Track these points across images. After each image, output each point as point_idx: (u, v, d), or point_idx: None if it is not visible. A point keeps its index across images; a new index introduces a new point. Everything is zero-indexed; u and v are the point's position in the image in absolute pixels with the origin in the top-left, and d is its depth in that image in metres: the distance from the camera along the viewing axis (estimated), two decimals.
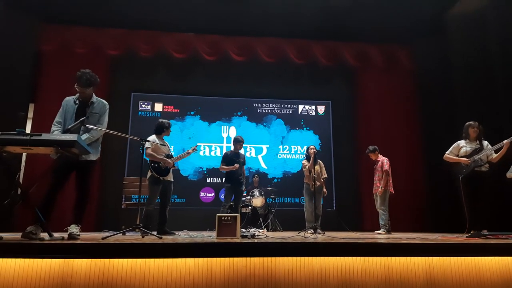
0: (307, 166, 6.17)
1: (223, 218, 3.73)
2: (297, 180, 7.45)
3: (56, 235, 3.31)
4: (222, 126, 8.75)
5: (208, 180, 8.43)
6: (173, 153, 5.38)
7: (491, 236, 3.90)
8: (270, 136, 8.85)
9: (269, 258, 2.81)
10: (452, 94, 7.28)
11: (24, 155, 6.80)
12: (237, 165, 5.95)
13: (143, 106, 8.55)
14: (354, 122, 8.85)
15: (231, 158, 6.07)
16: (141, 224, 4.03)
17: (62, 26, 7.77)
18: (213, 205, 8.07)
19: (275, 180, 8.58)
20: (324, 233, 5.48)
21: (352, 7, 7.20)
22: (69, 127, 3.40)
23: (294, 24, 7.83)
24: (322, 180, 6.25)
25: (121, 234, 4.01)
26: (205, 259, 2.75)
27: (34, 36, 7.44)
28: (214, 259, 2.75)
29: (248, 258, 2.79)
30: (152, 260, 2.69)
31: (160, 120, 5.31)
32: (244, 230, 4.98)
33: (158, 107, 8.60)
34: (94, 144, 3.67)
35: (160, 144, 5.07)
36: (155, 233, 4.38)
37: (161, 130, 5.19)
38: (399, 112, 8.43)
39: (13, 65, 6.92)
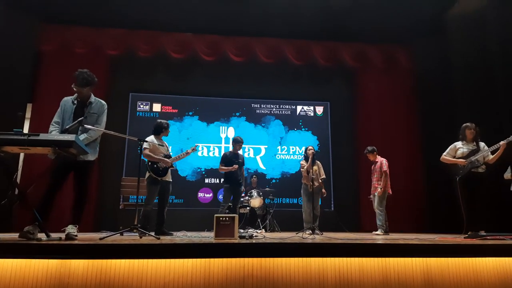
0: (305, 167, 6.18)
1: (221, 218, 3.73)
2: (296, 180, 7.44)
3: (54, 235, 3.30)
4: (221, 127, 8.74)
5: (206, 180, 8.43)
6: (171, 154, 5.37)
7: (488, 237, 3.92)
8: (269, 136, 8.85)
9: (267, 259, 2.81)
10: (451, 94, 7.29)
11: (21, 155, 6.77)
12: (236, 166, 5.95)
13: (142, 106, 8.54)
14: (353, 122, 8.86)
15: (230, 158, 6.07)
16: (139, 225, 4.02)
17: (62, 26, 7.77)
18: (211, 205, 8.07)
19: (273, 181, 8.59)
20: (322, 234, 5.48)
21: (351, 8, 7.21)
22: (67, 127, 3.40)
23: (293, 24, 7.84)
24: (320, 181, 6.25)
25: (118, 234, 4.00)
26: (203, 259, 2.74)
27: (33, 36, 7.44)
28: (212, 259, 2.75)
29: (246, 259, 2.78)
30: (150, 260, 2.69)
31: (159, 120, 5.30)
32: (242, 230, 4.98)
33: (157, 107, 8.59)
34: (92, 144, 3.67)
35: (158, 145, 5.06)
36: (153, 233, 4.38)
37: (160, 130, 5.18)
38: (398, 112, 8.44)
39: (12, 65, 6.92)
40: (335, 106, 9.13)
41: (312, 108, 9.13)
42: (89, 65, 4.44)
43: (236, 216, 3.81)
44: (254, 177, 7.81)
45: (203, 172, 8.46)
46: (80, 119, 3.50)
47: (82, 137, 3.51)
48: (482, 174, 4.66)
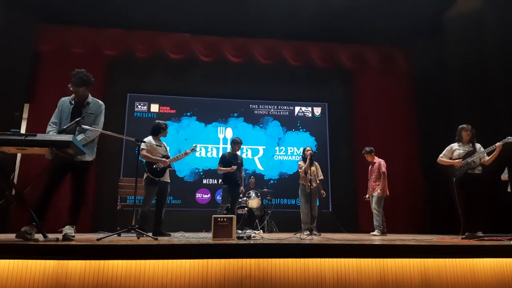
0: (303, 167, 6.18)
1: (219, 219, 3.72)
2: (293, 181, 7.46)
3: (51, 236, 3.29)
4: (219, 127, 8.74)
5: (204, 181, 8.42)
6: (169, 154, 5.36)
7: (485, 238, 3.93)
8: (267, 137, 8.86)
9: (265, 260, 2.81)
10: (449, 95, 7.31)
11: (19, 156, 6.76)
12: (234, 167, 5.95)
13: (139, 106, 8.53)
14: (351, 123, 8.88)
15: (229, 159, 6.07)
16: (136, 225, 4.01)
17: (60, 26, 7.76)
18: (209, 206, 8.06)
19: (271, 182, 8.58)
20: (320, 235, 5.48)
21: (348, 9, 7.22)
22: (64, 127, 3.39)
23: (291, 25, 7.85)
24: (318, 182, 6.25)
25: (116, 235, 4.00)
26: (200, 260, 2.74)
27: (31, 36, 7.42)
28: (209, 260, 2.75)
29: (244, 260, 2.78)
30: (147, 261, 2.68)
31: (157, 121, 5.29)
32: (240, 231, 4.97)
33: (154, 108, 8.58)
34: (90, 144, 3.66)
35: (156, 145, 5.05)
36: (150, 234, 4.37)
37: (158, 131, 5.17)
38: (396, 113, 8.46)
39: (10, 65, 6.90)
40: (333, 107, 9.15)
41: (310, 109, 9.14)
42: (87, 65, 4.42)
43: (234, 217, 3.81)
44: (252, 178, 7.81)
45: (201, 173, 8.45)
46: (77, 119, 3.49)
47: (79, 137, 3.50)
48: (478, 175, 4.68)
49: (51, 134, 3.42)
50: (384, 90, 8.61)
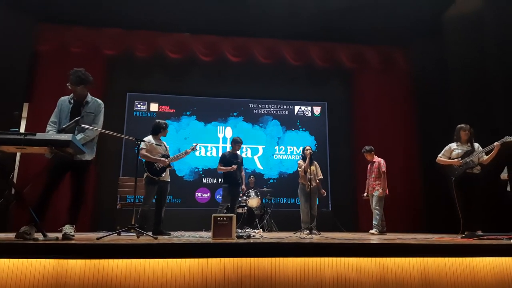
0: (302, 166, 6.18)
1: (218, 218, 3.73)
2: (293, 180, 7.46)
3: (51, 235, 3.29)
4: (218, 127, 8.74)
5: (204, 180, 8.42)
6: (169, 154, 5.36)
7: (485, 237, 3.93)
8: (266, 136, 8.86)
9: (265, 259, 2.81)
10: (449, 95, 7.31)
11: (18, 155, 6.76)
12: (234, 166, 5.96)
13: (139, 106, 8.52)
14: (351, 123, 8.88)
15: (229, 159, 6.08)
16: (136, 225, 4.01)
17: (59, 25, 7.75)
18: (208, 205, 8.06)
19: (271, 181, 8.59)
20: (320, 234, 5.48)
21: (348, 9, 7.22)
22: (63, 126, 3.39)
23: (291, 25, 7.84)
24: (317, 181, 6.25)
25: (116, 234, 4.00)
26: (200, 259, 2.74)
27: (31, 36, 7.41)
28: (209, 259, 2.75)
29: (244, 259, 2.78)
30: (147, 260, 2.68)
31: (157, 120, 5.29)
32: (239, 230, 4.98)
33: (154, 107, 8.58)
34: (89, 144, 3.65)
35: (156, 144, 5.05)
36: (150, 233, 4.37)
37: (158, 130, 5.17)
38: (395, 113, 8.46)
39: (9, 64, 6.88)
40: (332, 107, 9.15)
41: (309, 108, 9.14)
42: (86, 65, 4.42)
43: (234, 216, 3.81)
44: (252, 177, 7.81)
45: (201, 172, 8.45)
46: (76, 118, 3.49)
47: (79, 136, 3.50)
48: (477, 175, 4.71)
49: (50, 133, 3.41)
50: (384, 90, 8.61)
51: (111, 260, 2.64)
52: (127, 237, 3.98)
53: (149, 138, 5.09)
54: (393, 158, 7.20)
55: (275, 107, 9.03)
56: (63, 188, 3.59)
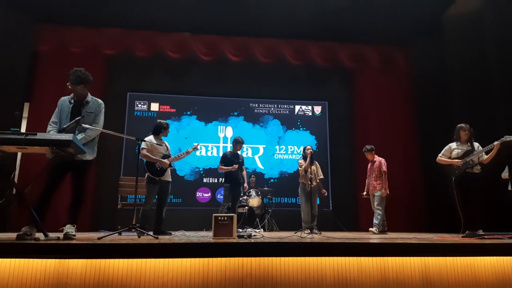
0: (303, 166, 6.18)
1: (219, 218, 3.73)
2: (294, 180, 7.45)
3: (52, 235, 3.29)
4: (219, 126, 8.74)
5: (205, 180, 8.42)
6: (170, 154, 5.36)
7: (486, 236, 3.93)
8: (267, 136, 8.85)
9: (266, 258, 2.81)
10: (449, 95, 7.31)
11: (19, 155, 6.76)
12: (236, 166, 5.96)
13: (139, 106, 8.52)
14: (351, 122, 8.88)
15: (230, 158, 6.09)
16: (137, 224, 4.01)
17: (59, 25, 7.74)
18: (209, 205, 8.06)
19: (272, 180, 8.59)
20: (321, 233, 5.48)
21: (348, 9, 7.22)
22: (64, 126, 3.39)
23: (291, 25, 7.84)
24: (318, 181, 6.26)
25: (117, 234, 4.00)
26: (201, 259, 2.74)
27: (31, 36, 7.41)
28: (210, 259, 2.75)
29: (245, 258, 2.78)
30: (148, 260, 2.68)
31: (158, 120, 5.29)
32: (240, 230, 4.98)
33: (154, 107, 8.58)
34: (90, 143, 3.65)
35: (157, 144, 5.05)
36: (151, 233, 4.37)
37: (159, 130, 5.17)
38: (396, 113, 8.46)
39: (9, 64, 6.89)
40: (333, 106, 9.14)
41: (310, 107, 9.14)
42: (86, 64, 4.42)
43: (235, 215, 3.81)
44: (253, 177, 7.81)
45: (202, 172, 8.45)
46: (77, 118, 3.49)
47: (79, 136, 3.50)
48: (477, 175, 4.71)
49: (51, 133, 3.41)
50: (384, 89, 8.61)
51: (112, 260, 2.65)
52: (128, 237, 3.98)
53: (150, 138, 5.09)
54: (393, 157, 7.19)
55: (275, 106, 9.03)
56: (63, 188, 3.59)
